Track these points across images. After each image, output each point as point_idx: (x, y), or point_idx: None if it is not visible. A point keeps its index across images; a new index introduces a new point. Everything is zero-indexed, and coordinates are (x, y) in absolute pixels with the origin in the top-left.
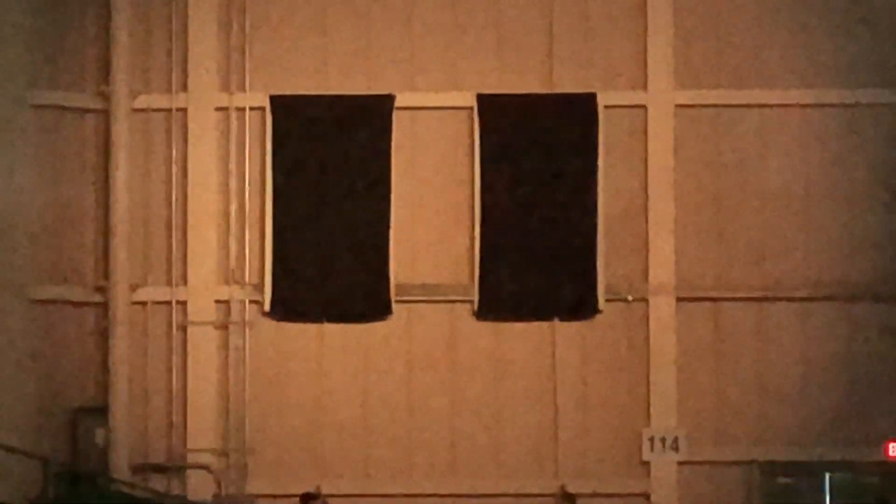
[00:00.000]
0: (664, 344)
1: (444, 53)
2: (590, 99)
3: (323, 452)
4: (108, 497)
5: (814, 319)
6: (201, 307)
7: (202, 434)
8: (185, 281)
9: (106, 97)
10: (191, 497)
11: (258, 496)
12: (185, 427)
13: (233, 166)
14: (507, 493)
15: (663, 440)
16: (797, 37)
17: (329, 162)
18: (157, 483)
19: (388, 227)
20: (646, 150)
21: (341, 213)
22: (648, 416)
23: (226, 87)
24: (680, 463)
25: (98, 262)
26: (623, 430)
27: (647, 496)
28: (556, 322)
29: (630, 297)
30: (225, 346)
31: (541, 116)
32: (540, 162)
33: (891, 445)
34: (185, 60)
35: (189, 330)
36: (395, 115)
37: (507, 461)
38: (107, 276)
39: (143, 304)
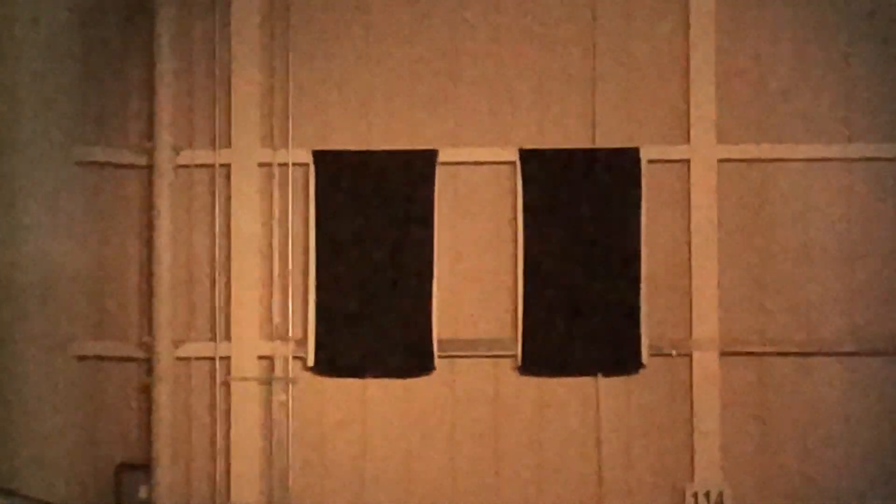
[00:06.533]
0: (708, 399)
1: (486, 108)
2: (633, 153)
3: None
4: None
5: (859, 374)
6: (244, 363)
7: (245, 490)
8: (228, 337)
9: (149, 153)
10: None
11: None
12: (228, 483)
13: (276, 221)
14: None
15: (707, 495)
16: (840, 90)
17: (372, 217)
18: None
19: (431, 283)
20: (689, 205)
21: (384, 268)
22: (692, 470)
23: (269, 143)
24: None
25: (141, 318)
26: (667, 485)
27: None
28: (600, 377)
29: (674, 352)
30: (268, 401)
31: (584, 171)
32: (583, 216)
33: None
34: (228, 116)
35: (232, 386)
36: (438, 170)
37: None
38: (150, 331)
39: (187, 359)
